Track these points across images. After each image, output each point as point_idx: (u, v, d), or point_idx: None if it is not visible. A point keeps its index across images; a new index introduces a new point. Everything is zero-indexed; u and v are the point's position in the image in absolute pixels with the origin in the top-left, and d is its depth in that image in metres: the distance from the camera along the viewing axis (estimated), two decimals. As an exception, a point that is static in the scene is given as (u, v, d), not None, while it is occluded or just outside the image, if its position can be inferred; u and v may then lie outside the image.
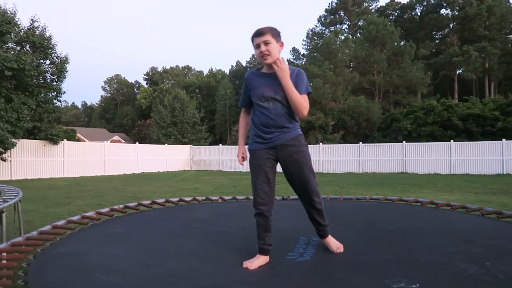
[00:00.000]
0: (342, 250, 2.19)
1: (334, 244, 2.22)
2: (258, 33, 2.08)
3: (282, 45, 2.12)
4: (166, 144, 24.10)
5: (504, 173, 16.48)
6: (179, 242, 2.41)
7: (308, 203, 2.20)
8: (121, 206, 3.16)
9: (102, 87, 73.42)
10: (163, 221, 2.93)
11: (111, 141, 40.15)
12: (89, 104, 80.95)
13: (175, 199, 3.55)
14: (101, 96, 75.33)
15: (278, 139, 2.09)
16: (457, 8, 44.26)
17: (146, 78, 68.26)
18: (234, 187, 11.95)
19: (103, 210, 3.05)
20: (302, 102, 2.06)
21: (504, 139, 17.35)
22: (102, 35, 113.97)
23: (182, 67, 68.60)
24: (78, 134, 34.42)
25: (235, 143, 28.09)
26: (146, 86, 64.71)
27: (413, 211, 3.21)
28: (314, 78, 33.05)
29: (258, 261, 2.01)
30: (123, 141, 45.29)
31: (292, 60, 48.60)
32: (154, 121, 31.40)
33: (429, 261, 1.95)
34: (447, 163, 17.76)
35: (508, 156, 16.65)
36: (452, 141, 18.49)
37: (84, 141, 34.17)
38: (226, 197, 3.78)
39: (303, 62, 42.94)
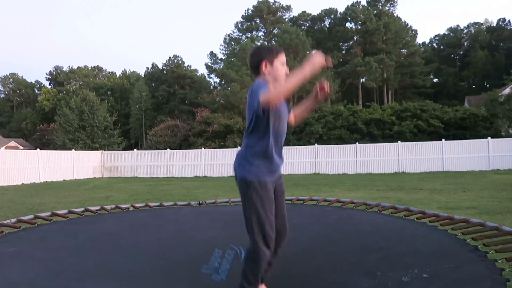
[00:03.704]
0: None
1: None
2: (284, 52, 1.95)
3: None
4: (73, 150, 22.17)
5: (400, 171, 18.53)
6: (85, 259, 2.19)
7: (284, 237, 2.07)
8: (13, 220, 2.78)
9: (-6, 86, 64.65)
10: (66, 235, 2.65)
11: (5, 148, 35.63)
12: (-23, 105, 70.50)
13: (79, 209, 3.25)
14: (-7, 97, 66.31)
15: (278, 170, 2.00)
16: (360, 22, 48.75)
17: (49, 78, 62.14)
18: (149, 193, 11.45)
19: (-11, 227, 2.65)
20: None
21: (399, 141, 19.54)
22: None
23: (91, 67, 63.96)
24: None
25: (151, 147, 27.05)
26: (49, 87, 58.90)
27: (322, 213, 3.40)
28: (232, 82, 33.45)
29: None
30: (21, 147, 40.51)
31: (210, 64, 48.60)
32: (59, 125, 28.67)
33: (333, 281, 2.04)
34: (354, 163, 19.34)
35: (402, 156, 18.77)
36: (357, 143, 20.20)
37: (-28, 148, 29.77)
38: (138, 205, 3.58)
39: (221, 67, 43.20)
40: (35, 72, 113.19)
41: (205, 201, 3.54)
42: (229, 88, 34.96)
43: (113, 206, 3.38)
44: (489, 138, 18.12)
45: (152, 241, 2.55)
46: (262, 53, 1.95)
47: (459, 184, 11.63)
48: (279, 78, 1.92)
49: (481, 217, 6.01)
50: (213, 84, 51.39)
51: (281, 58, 1.93)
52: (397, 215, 3.13)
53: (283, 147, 2.08)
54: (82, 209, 3.19)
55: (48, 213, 2.97)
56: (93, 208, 3.26)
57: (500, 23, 55.40)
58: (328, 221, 3.15)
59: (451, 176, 14.96)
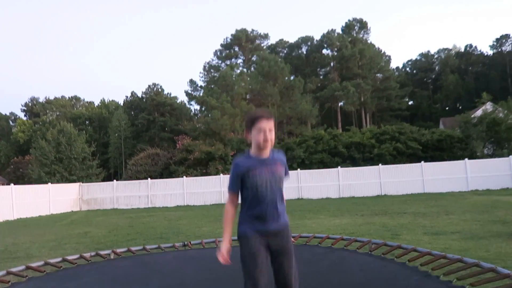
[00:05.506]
0: None
1: None
2: (267, 117, 2.10)
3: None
4: (50, 183, 21.41)
5: (382, 194, 18.66)
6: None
7: None
8: (-16, 277, 2.56)
9: (-33, 119, 62.58)
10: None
11: (-23, 182, 34.12)
12: None
13: (56, 260, 3.04)
14: (-34, 130, 64.06)
15: (269, 226, 2.09)
16: (336, 49, 50.37)
17: (24, 109, 60.75)
18: (130, 227, 11.07)
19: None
20: None
21: (380, 164, 19.80)
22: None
23: (69, 97, 63.00)
24: None
25: (131, 177, 26.42)
26: (25, 118, 57.52)
27: (312, 256, 3.28)
28: (213, 109, 33.54)
29: None
30: (-6, 181, 38.90)
31: (190, 91, 48.75)
32: (35, 158, 27.78)
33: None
34: (337, 187, 19.40)
35: (384, 179, 18.97)
36: (339, 167, 20.34)
37: None
38: (119, 250, 3.39)
39: (201, 94, 43.39)
40: (11, 103, 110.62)
41: (190, 242, 3.39)
42: (209, 115, 34.99)
43: (93, 253, 3.18)
44: (466, 159, 18.60)
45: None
46: (245, 122, 2.21)
47: (441, 206, 11.77)
48: (256, 143, 2.11)
49: (466, 242, 6.05)
50: (193, 111, 51.41)
51: (257, 126, 2.09)
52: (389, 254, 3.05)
53: None
54: (59, 259, 2.98)
55: (23, 267, 2.74)
56: (71, 258, 3.05)
57: (468, 48, 58.39)
58: (321, 267, 3.02)
59: (432, 198, 15.17)
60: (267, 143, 2.09)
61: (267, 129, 2.08)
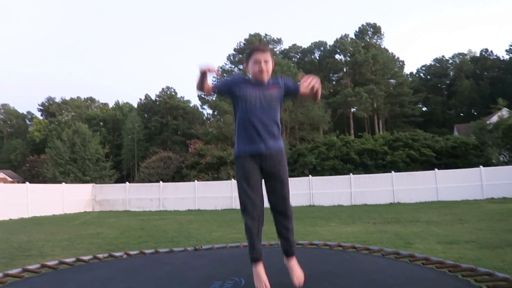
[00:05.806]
0: (302, 282, 2.11)
1: (296, 272, 2.16)
2: (261, 49, 2.22)
3: (273, 62, 2.29)
4: (64, 183, 21.78)
5: (395, 202, 18.41)
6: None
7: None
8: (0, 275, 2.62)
9: (-16, 117, 64.22)
10: (55, 285, 2.48)
11: (-6, 181, 34.95)
12: (-34, 137, 69.59)
13: (70, 260, 3.09)
14: (-17, 128, 65.67)
15: (260, 145, 2.14)
16: (349, 54, 50.16)
17: (41, 109, 62.03)
18: (142, 229, 11.16)
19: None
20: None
21: (393, 171, 19.55)
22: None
23: (84, 98, 64.14)
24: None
25: (143, 180, 26.69)
26: (41, 118, 58.74)
27: (323, 254, 3.29)
28: (225, 114, 33.70)
29: (263, 272, 2.05)
30: (9, 178, 39.79)
31: (203, 95, 49.08)
32: (50, 157, 28.33)
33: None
34: (348, 194, 19.21)
35: (397, 187, 18.72)
36: (351, 174, 20.16)
37: (-41, 182, 29.14)
38: (132, 252, 3.43)
39: (214, 98, 43.64)
40: (27, 103, 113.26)
41: (201, 247, 3.41)
42: (222, 120, 35.16)
43: (106, 255, 3.23)
44: (481, 166, 18.24)
45: (148, 282, 2.41)
46: (244, 55, 2.35)
47: (455, 215, 11.56)
48: (253, 74, 2.23)
49: (481, 252, 5.92)
50: (206, 116, 51.72)
51: (253, 57, 2.20)
52: (401, 260, 3.02)
53: None
54: (73, 259, 3.03)
55: (38, 265, 2.80)
56: (84, 258, 3.10)
57: (483, 53, 57.42)
58: (330, 260, 3.01)
59: (446, 206, 14.90)
60: (262, 74, 2.18)
61: (262, 60, 2.17)
